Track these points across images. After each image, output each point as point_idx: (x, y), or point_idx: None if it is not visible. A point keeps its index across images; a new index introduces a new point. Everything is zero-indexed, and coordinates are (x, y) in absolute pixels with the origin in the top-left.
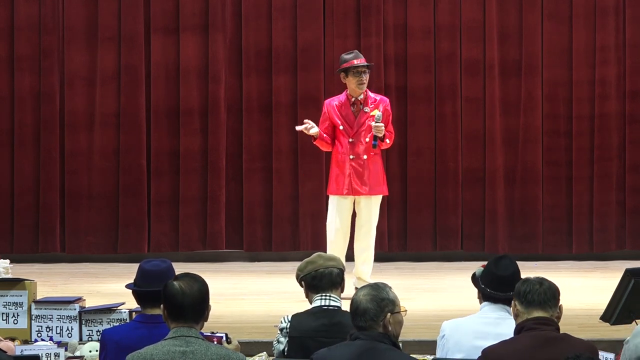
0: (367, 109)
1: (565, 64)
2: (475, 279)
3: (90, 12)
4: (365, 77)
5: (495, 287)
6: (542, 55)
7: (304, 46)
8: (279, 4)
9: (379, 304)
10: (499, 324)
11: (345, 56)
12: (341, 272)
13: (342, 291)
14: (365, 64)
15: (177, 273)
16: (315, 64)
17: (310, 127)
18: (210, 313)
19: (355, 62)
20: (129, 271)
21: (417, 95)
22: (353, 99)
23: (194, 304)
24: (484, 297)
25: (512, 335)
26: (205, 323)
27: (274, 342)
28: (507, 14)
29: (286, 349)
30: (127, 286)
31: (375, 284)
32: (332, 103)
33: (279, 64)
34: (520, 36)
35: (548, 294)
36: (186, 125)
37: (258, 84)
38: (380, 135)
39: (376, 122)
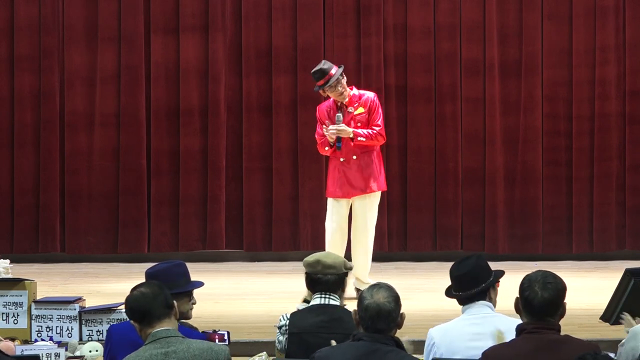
0: (351, 109)
1: (565, 64)
2: (448, 291)
3: (90, 12)
4: (335, 91)
5: (464, 287)
6: (542, 55)
7: (304, 46)
8: (279, 4)
9: (398, 303)
10: (489, 321)
11: (314, 75)
12: (339, 277)
13: (343, 291)
14: (329, 81)
15: None
16: (315, 64)
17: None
18: (211, 313)
19: (320, 84)
20: (129, 271)
21: (417, 95)
22: (339, 103)
23: (159, 300)
24: (460, 301)
25: (506, 328)
26: (175, 319)
27: (276, 342)
28: (507, 14)
29: (286, 346)
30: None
31: (381, 284)
32: (322, 108)
33: (279, 64)
34: (520, 36)
35: (549, 306)
36: (186, 125)
37: (258, 84)
38: (344, 135)
39: (337, 123)
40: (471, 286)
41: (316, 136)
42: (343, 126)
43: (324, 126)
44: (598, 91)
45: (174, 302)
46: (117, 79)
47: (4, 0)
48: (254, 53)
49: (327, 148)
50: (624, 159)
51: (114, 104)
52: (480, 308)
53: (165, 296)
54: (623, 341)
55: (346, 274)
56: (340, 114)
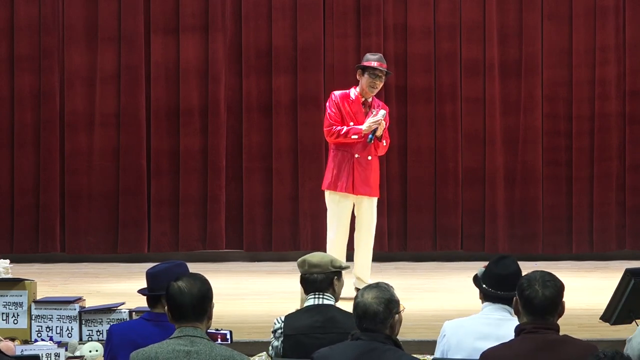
0: (374, 111)
1: (565, 64)
2: (476, 279)
3: (90, 12)
4: (379, 83)
5: (495, 286)
6: (542, 55)
7: (304, 46)
8: (279, 4)
9: (388, 306)
10: (501, 325)
11: (370, 56)
12: (327, 276)
13: (334, 290)
14: (385, 70)
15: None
16: (315, 64)
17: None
18: None
19: (374, 64)
20: (129, 271)
21: (417, 95)
22: (363, 99)
23: (193, 303)
24: (485, 297)
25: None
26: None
27: (270, 347)
28: (507, 14)
29: (281, 349)
30: (139, 291)
31: (378, 284)
32: (344, 96)
33: (279, 64)
34: (520, 36)
35: (550, 304)
36: (186, 125)
37: (258, 84)
38: (379, 133)
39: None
40: (504, 288)
41: (331, 121)
42: (384, 123)
43: (373, 110)
44: (598, 91)
45: (210, 307)
46: (117, 79)
47: (4, 0)
48: (254, 53)
49: (355, 137)
50: (624, 159)
51: (114, 104)
52: (499, 310)
53: (198, 302)
54: (630, 337)
55: (335, 273)
56: (383, 110)
